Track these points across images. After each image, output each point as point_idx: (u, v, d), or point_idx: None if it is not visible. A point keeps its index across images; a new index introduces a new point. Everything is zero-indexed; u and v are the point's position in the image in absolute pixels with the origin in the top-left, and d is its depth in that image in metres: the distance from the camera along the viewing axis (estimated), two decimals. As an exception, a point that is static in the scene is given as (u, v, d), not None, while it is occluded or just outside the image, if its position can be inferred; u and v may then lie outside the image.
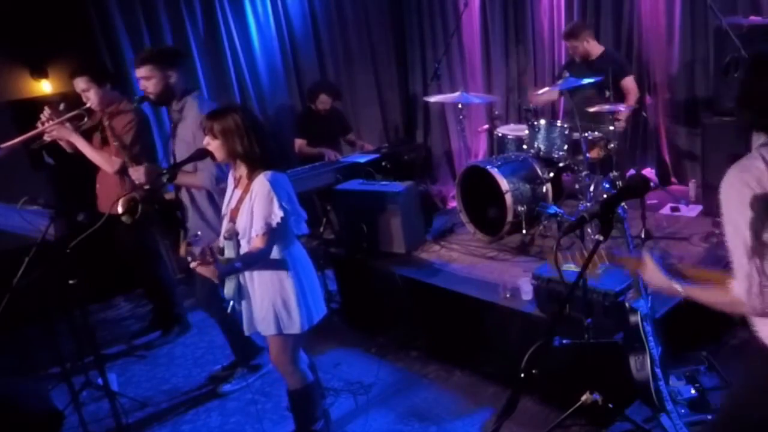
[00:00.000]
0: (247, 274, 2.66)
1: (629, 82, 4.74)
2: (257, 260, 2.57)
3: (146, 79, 3.24)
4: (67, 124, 3.61)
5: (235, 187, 2.70)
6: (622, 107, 4.44)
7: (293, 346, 2.77)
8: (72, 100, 3.83)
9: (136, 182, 3.30)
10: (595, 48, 4.79)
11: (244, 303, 2.74)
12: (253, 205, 2.52)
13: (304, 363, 2.88)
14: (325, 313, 2.82)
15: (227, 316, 3.47)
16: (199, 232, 2.54)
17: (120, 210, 2.87)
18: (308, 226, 2.74)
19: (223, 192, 3.19)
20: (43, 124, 3.58)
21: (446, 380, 3.55)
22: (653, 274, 1.84)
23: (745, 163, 1.59)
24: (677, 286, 1.73)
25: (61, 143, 3.77)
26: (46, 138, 3.61)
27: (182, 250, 2.43)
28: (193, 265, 2.31)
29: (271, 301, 2.62)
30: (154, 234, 4.22)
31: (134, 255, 4.13)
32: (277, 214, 2.48)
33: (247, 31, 5.73)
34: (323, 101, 5.36)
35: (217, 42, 5.55)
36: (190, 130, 3.21)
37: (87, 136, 3.75)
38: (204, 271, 2.36)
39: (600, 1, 5.33)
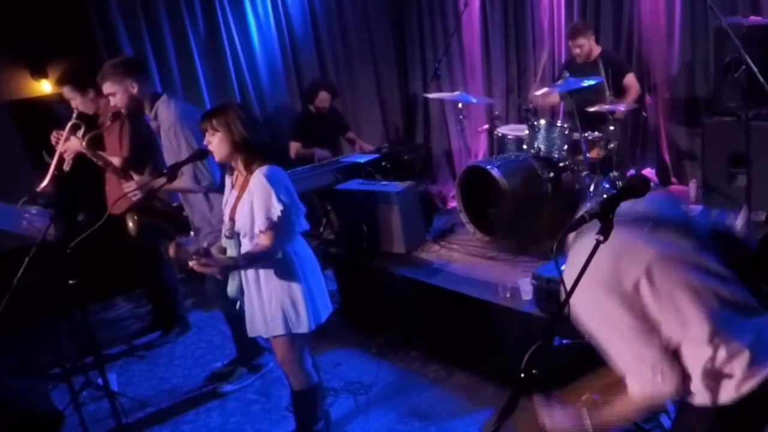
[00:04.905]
0: (251, 275, 2.64)
1: (630, 79, 4.76)
2: (261, 258, 2.56)
3: (112, 96, 3.25)
4: (71, 138, 3.66)
5: (232, 188, 2.70)
6: (621, 107, 4.44)
7: (300, 346, 2.77)
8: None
9: (133, 199, 3.24)
10: (595, 48, 4.80)
11: (246, 305, 2.74)
12: (252, 202, 2.51)
13: (309, 363, 2.88)
14: (331, 311, 2.83)
15: (235, 311, 3.49)
16: (192, 234, 2.54)
17: (132, 229, 2.89)
18: (308, 222, 2.74)
19: (208, 190, 3.20)
20: (55, 145, 3.68)
21: (446, 380, 3.55)
22: (556, 423, 1.72)
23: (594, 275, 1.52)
24: (586, 425, 1.64)
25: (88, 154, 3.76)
26: (66, 158, 3.68)
27: (172, 251, 2.42)
28: (191, 264, 2.31)
29: (279, 301, 2.61)
30: (157, 234, 4.23)
31: (137, 255, 4.13)
32: (277, 208, 2.47)
33: (247, 31, 5.73)
34: (323, 99, 5.34)
35: (217, 42, 5.55)
36: (165, 134, 3.23)
37: (98, 142, 3.79)
38: (205, 270, 2.36)
39: (600, 1, 5.33)
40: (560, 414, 1.73)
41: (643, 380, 1.55)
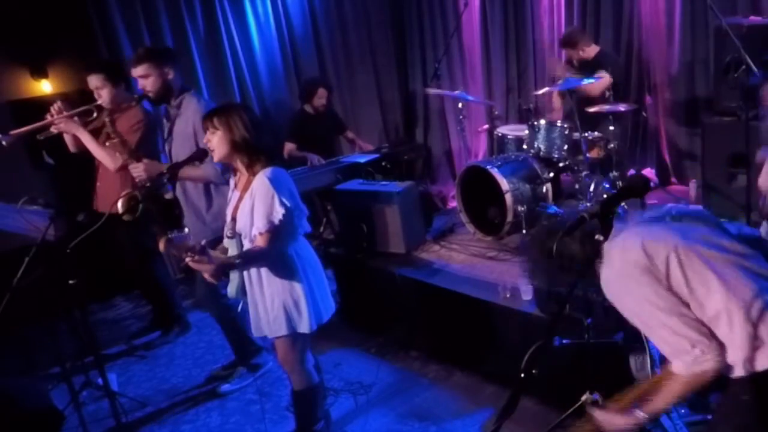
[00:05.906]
0: (254, 276, 2.64)
1: (602, 75, 4.51)
2: (258, 259, 2.56)
3: (144, 78, 3.28)
4: (75, 119, 3.63)
5: (234, 188, 2.70)
6: (621, 107, 4.42)
7: (302, 346, 2.77)
8: (72, 99, 3.83)
9: (137, 180, 3.31)
10: (590, 52, 4.76)
11: (249, 306, 2.74)
12: (254, 203, 2.50)
13: (310, 363, 2.88)
14: (334, 311, 2.82)
15: (226, 314, 3.49)
16: (186, 229, 2.52)
17: (120, 209, 2.87)
18: (309, 223, 2.73)
19: (227, 182, 3.20)
20: (52, 116, 3.59)
21: (446, 380, 3.55)
22: (611, 422, 1.78)
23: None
24: (639, 415, 1.69)
25: (66, 139, 3.78)
26: (53, 130, 3.62)
27: (162, 246, 2.40)
28: (186, 260, 2.30)
29: (281, 301, 2.61)
30: (152, 234, 4.22)
31: (132, 255, 4.12)
32: (279, 211, 2.46)
33: (247, 31, 5.73)
34: (321, 96, 5.33)
35: (217, 42, 5.55)
36: (191, 123, 3.24)
37: (94, 134, 3.75)
38: (199, 267, 2.34)
39: (600, 1, 5.33)
40: (614, 415, 1.78)
41: (684, 356, 1.58)
